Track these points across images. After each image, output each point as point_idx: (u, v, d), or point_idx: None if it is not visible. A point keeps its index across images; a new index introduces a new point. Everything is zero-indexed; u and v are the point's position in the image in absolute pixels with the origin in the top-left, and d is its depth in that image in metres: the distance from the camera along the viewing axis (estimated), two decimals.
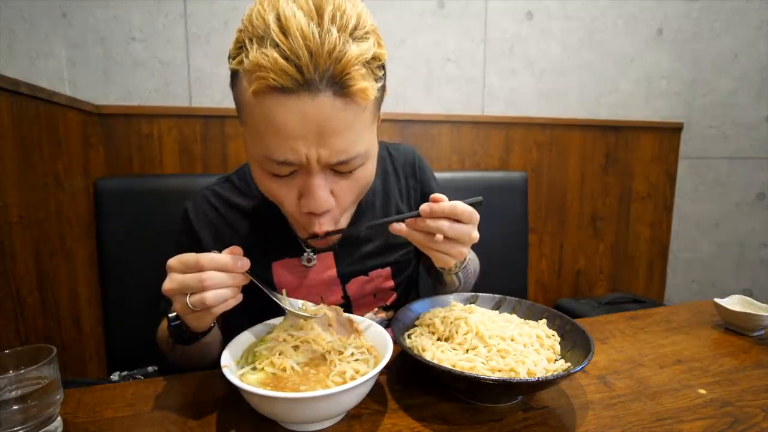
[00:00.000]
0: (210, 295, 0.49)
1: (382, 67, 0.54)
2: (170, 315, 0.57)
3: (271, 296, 0.55)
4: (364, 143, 0.54)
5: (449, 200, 0.56)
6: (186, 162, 1.41)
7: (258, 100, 0.48)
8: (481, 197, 0.58)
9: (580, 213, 1.97)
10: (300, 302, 0.60)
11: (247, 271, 0.52)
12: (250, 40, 0.47)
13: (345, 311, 0.62)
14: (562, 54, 1.83)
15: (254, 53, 0.46)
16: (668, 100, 2.04)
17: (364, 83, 0.48)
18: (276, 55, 0.44)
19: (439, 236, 0.55)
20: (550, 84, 1.83)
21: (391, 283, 0.79)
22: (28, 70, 1.01)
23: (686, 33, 1.99)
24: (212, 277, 0.49)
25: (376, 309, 0.80)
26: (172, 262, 0.51)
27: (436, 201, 0.55)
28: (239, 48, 0.49)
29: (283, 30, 0.45)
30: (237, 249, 0.53)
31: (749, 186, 1.87)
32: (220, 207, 0.75)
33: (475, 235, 0.57)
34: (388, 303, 0.81)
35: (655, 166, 2.07)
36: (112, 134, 1.32)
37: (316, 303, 0.72)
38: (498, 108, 1.78)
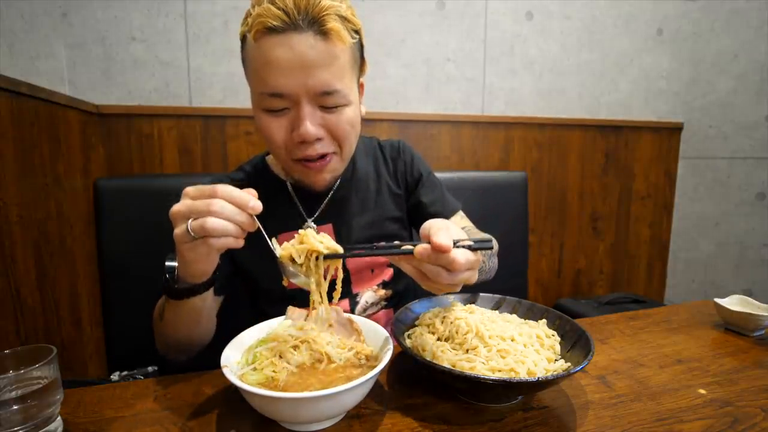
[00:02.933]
0: (211, 221, 0.48)
1: (357, 33, 0.68)
2: (168, 263, 0.59)
3: (269, 243, 0.55)
4: (344, 84, 0.65)
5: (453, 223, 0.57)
6: (186, 162, 1.41)
7: (257, 43, 0.62)
8: (491, 239, 0.54)
9: (580, 213, 1.97)
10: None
11: (256, 216, 0.52)
12: (253, 6, 0.63)
13: (344, 286, 0.62)
14: (562, 54, 1.83)
15: (256, 10, 0.61)
16: (668, 100, 2.04)
17: (337, 25, 0.62)
18: (270, 6, 0.60)
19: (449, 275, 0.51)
20: (550, 84, 1.83)
21: (385, 258, 0.80)
22: (28, 70, 1.01)
23: (686, 33, 1.99)
24: (222, 205, 0.49)
25: (375, 287, 0.83)
26: (189, 188, 0.52)
27: (440, 249, 0.48)
28: (246, 16, 0.64)
29: None
30: (253, 191, 0.53)
31: (749, 186, 1.87)
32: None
33: (473, 279, 0.53)
34: (386, 278, 0.85)
35: (655, 166, 2.07)
36: (112, 134, 1.32)
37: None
38: (498, 108, 1.78)
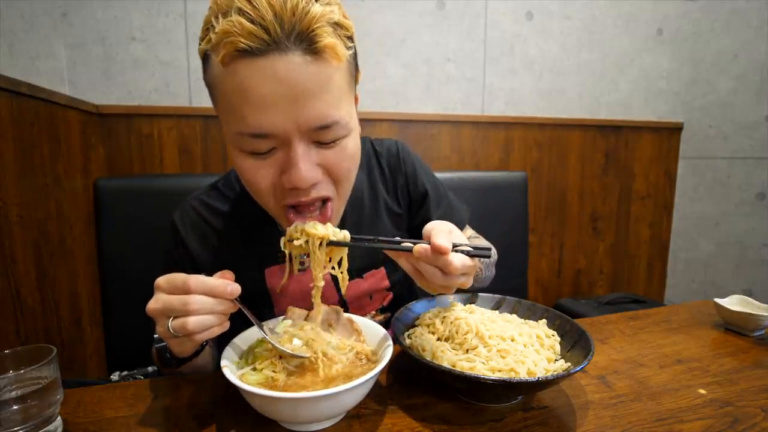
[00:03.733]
0: (193, 321, 0.46)
1: (351, 39, 0.54)
2: (156, 336, 0.54)
3: (259, 329, 0.53)
4: (343, 111, 0.52)
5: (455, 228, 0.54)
6: (186, 162, 1.41)
7: (229, 69, 0.48)
8: (490, 248, 0.54)
9: (580, 213, 1.97)
10: (288, 322, 0.59)
11: (237, 299, 0.50)
12: (216, 17, 0.48)
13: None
14: (562, 54, 1.83)
15: (220, 25, 0.46)
16: (668, 100, 2.04)
17: (331, 39, 0.48)
18: (242, 19, 0.45)
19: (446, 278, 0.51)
20: (550, 84, 1.83)
21: (386, 283, 0.78)
22: (28, 70, 1.01)
23: (686, 33, 1.99)
24: (198, 301, 0.46)
25: (373, 312, 0.79)
26: (160, 281, 0.48)
27: (437, 250, 0.48)
28: (206, 30, 0.49)
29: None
30: (228, 273, 0.50)
31: (749, 186, 1.87)
32: (207, 216, 0.73)
33: (468, 283, 0.54)
34: (384, 304, 0.80)
35: (655, 166, 2.07)
36: (112, 134, 1.32)
37: (311, 308, 0.70)
38: (498, 108, 1.78)
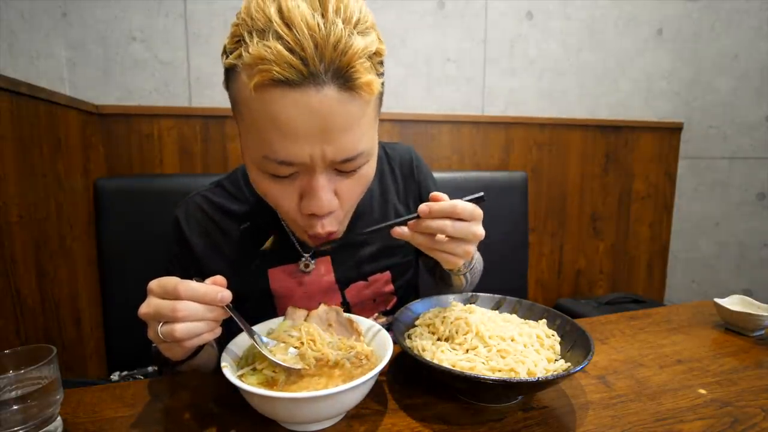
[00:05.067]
0: (180, 328, 0.45)
1: (382, 63, 0.54)
2: (154, 345, 0.54)
3: (250, 337, 0.52)
4: (368, 140, 0.53)
5: (450, 198, 0.55)
6: (186, 162, 1.41)
7: (259, 94, 0.46)
8: (482, 193, 0.56)
9: (580, 213, 1.97)
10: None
11: (228, 305, 0.49)
12: (250, 33, 0.45)
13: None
14: (562, 54, 1.83)
15: (255, 46, 0.44)
16: (668, 100, 2.04)
17: (369, 76, 0.47)
18: (280, 47, 0.43)
19: (442, 237, 0.54)
20: (550, 84, 1.83)
21: (390, 287, 0.78)
22: (28, 70, 1.01)
23: (686, 33, 1.99)
24: (187, 308, 0.45)
25: (376, 314, 0.78)
26: (153, 284, 0.48)
27: (435, 200, 0.54)
28: (237, 42, 0.47)
29: (287, 22, 0.43)
30: (220, 279, 0.50)
31: (749, 186, 1.87)
32: (212, 213, 0.72)
33: (480, 232, 0.55)
34: (388, 308, 0.80)
35: (655, 166, 2.07)
36: (112, 134, 1.32)
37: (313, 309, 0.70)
38: (498, 108, 1.78)
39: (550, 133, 1.86)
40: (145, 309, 0.47)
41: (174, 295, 0.46)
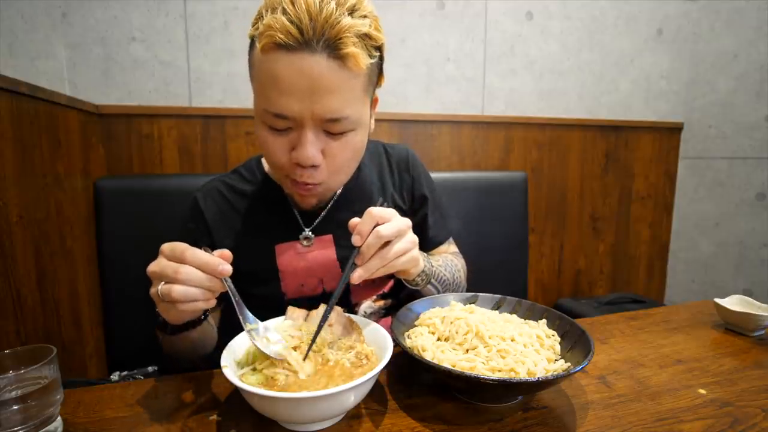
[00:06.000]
0: (178, 289, 0.48)
1: (379, 49, 0.62)
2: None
3: (239, 313, 0.54)
4: (354, 110, 0.61)
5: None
6: (186, 162, 1.41)
7: (265, 56, 0.57)
8: (381, 199, 0.68)
9: (580, 213, 1.97)
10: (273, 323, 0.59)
11: (226, 279, 0.51)
12: (266, 10, 0.57)
13: (343, 295, 0.63)
14: (562, 54, 1.83)
15: (267, 18, 0.55)
16: (668, 100, 2.04)
17: (354, 49, 0.56)
18: (283, 18, 0.54)
19: (386, 251, 0.57)
20: (550, 84, 1.83)
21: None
22: (28, 70, 1.01)
23: (686, 33, 1.99)
24: (188, 272, 0.48)
25: (374, 297, 0.82)
26: (165, 246, 0.51)
27: (352, 226, 0.57)
28: (257, 18, 0.59)
29: (293, 1, 0.54)
30: (227, 253, 0.52)
31: (749, 186, 1.87)
32: (227, 193, 0.80)
33: (403, 226, 0.59)
34: (385, 290, 0.83)
35: (654, 166, 2.07)
36: (112, 134, 1.32)
37: (316, 287, 0.76)
38: (498, 108, 1.78)
39: (550, 134, 1.86)
40: (152, 267, 0.51)
41: (180, 259, 0.49)
